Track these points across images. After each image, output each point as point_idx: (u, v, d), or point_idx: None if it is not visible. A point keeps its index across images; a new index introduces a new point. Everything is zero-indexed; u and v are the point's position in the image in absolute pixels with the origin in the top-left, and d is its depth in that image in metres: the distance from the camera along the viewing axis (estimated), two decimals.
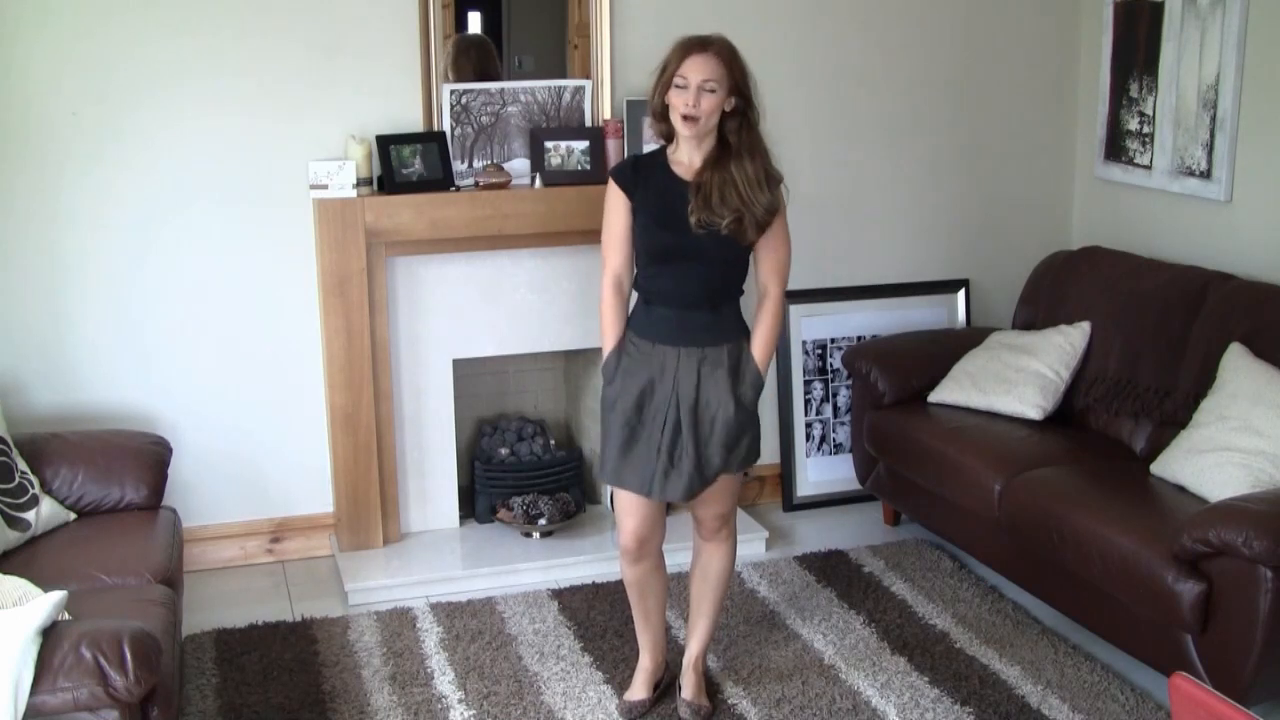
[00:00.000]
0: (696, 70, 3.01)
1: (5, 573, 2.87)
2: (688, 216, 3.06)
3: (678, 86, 3.03)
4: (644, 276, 3.19)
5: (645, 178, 3.15)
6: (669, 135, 3.15)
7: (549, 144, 4.19)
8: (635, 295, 3.24)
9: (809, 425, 4.73)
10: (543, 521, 4.29)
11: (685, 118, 3.03)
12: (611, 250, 3.21)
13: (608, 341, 3.22)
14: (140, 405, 4.06)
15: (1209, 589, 3.11)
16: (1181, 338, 3.92)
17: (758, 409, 3.24)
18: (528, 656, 3.62)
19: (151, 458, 3.58)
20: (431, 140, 4.09)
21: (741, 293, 3.19)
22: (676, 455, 3.12)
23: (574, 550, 4.23)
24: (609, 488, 4.42)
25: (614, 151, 4.22)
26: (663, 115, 3.12)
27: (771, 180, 3.11)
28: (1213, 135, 4.19)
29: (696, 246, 3.08)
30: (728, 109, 3.06)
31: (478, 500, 4.42)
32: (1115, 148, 4.65)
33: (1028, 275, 4.65)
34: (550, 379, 4.75)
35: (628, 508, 3.21)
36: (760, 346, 3.19)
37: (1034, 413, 4.09)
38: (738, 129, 3.09)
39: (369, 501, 4.19)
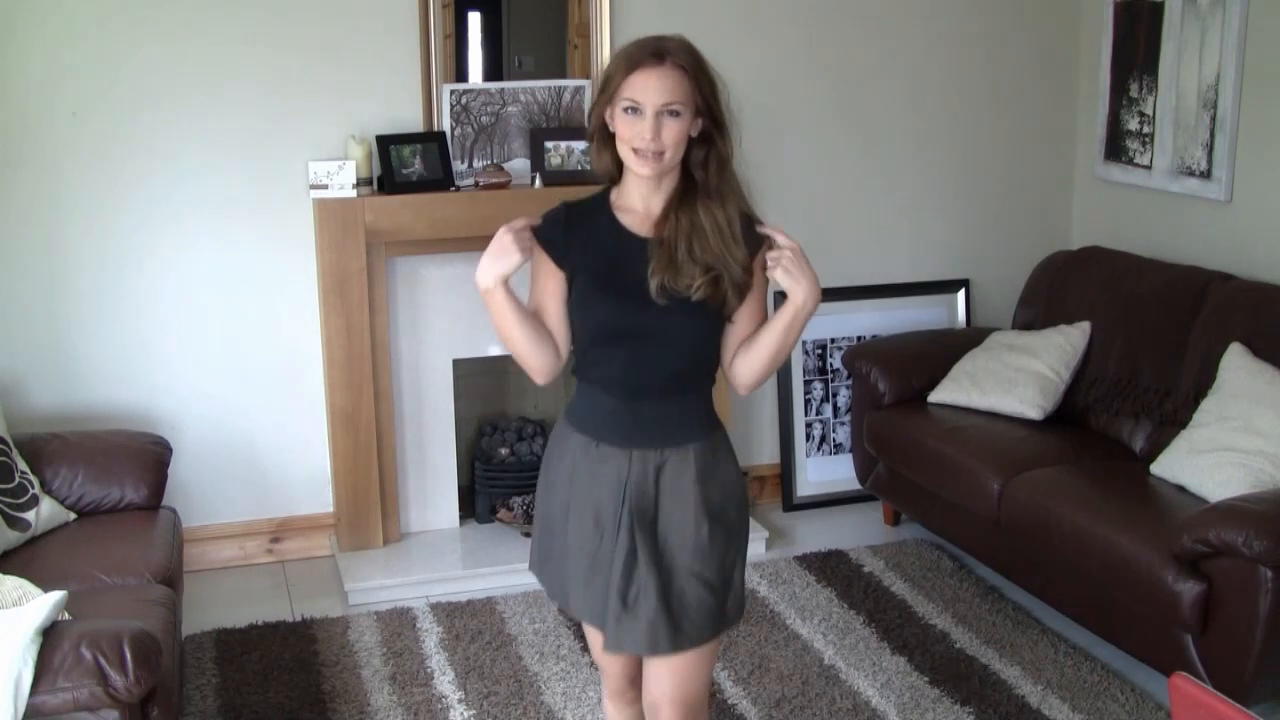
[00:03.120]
0: (652, 90, 2.24)
1: (5, 573, 2.88)
2: (643, 282, 2.29)
3: (627, 111, 2.26)
4: (584, 362, 2.40)
5: (583, 234, 2.36)
6: (614, 174, 2.39)
7: (549, 144, 4.19)
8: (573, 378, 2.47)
9: (809, 425, 4.73)
10: None
11: (641, 153, 2.26)
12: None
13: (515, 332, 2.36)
14: (140, 405, 4.06)
15: (1209, 589, 3.11)
16: (1181, 338, 3.92)
17: (744, 533, 2.45)
18: (528, 656, 3.62)
19: (151, 458, 3.58)
20: (431, 140, 4.09)
21: (714, 380, 2.43)
22: (631, 595, 2.31)
23: None
24: None
25: None
26: (604, 143, 2.35)
27: (750, 232, 2.34)
28: (1213, 135, 4.19)
29: (656, 322, 2.30)
30: (694, 134, 2.30)
31: (478, 500, 4.42)
32: (1115, 148, 4.65)
33: (1028, 275, 4.65)
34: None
35: (602, 649, 2.44)
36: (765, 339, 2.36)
37: (1034, 413, 4.09)
38: (704, 161, 2.32)
39: (369, 501, 4.19)
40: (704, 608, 2.35)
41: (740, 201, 2.35)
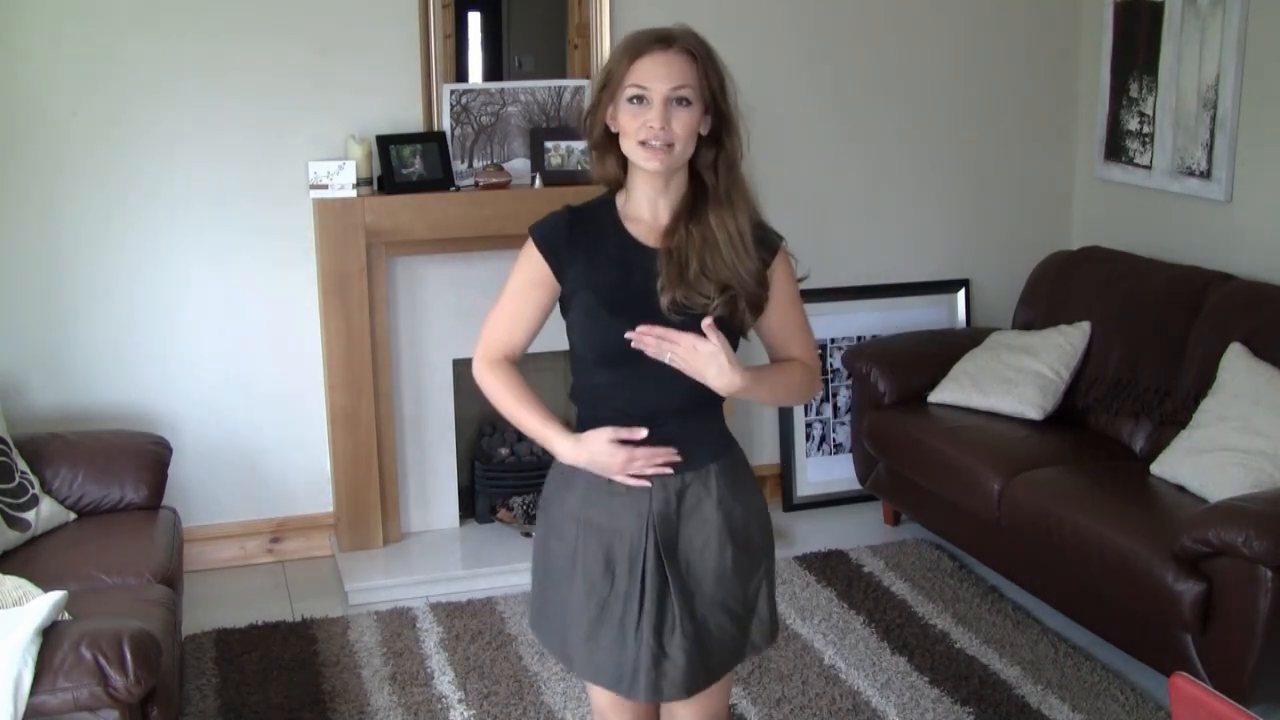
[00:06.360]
0: (660, 75, 2.11)
1: (5, 573, 2.88)
2: (653, 296, 2.14)
3: (633, 101, 2.13)
4: (587, 385, 2.26)
5: (586, 244, 2.20)
6: (618, 180, 2.24)
7: (549, 144, 4.19)
8: (574, 408, 2.33)
9: (809, 425, 4.73)
10: None
11: (647, 145, 2.12)
12: (501, 328, 2.28)
13: (533, 421, 2.27)
14: (140, 405, 4.06)
15: (1209, 589, 3.11)
16: (1181, 338, 3.92)
17: (770, 556, 2.33)
18: (528, 656, 3.62)
19: (151, 458, 3.58)
20: (431, 140, 4.09)
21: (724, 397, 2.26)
22: (667, 633, 2.20)
23: None
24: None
25: None
26: (606, 148, 2.21)
27: (763, 240, 2.22)
28: (1213, 135, 4.19)
29: None
30: (704, 131, 2.17)
31: (478, 500, 4.42)
32: (1115, 148, 4.65)
33: (1028, 275, 4.65)
34: (550, 379, 4.73)
35: (609, 709, 2.34)
36: (757, 376, 2.21)
37: (1034, 413, 4.09)
38: (713, 163, 2.19)
39: (369, 501, 4.19)
40: (728, 638, 2.25)
41: (750, 208, 2.22)
